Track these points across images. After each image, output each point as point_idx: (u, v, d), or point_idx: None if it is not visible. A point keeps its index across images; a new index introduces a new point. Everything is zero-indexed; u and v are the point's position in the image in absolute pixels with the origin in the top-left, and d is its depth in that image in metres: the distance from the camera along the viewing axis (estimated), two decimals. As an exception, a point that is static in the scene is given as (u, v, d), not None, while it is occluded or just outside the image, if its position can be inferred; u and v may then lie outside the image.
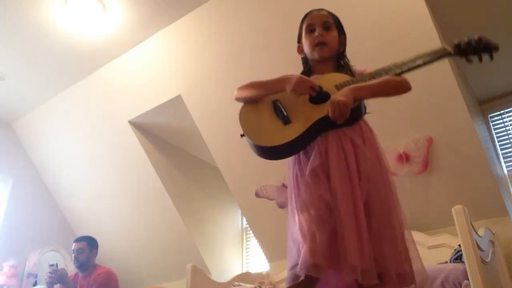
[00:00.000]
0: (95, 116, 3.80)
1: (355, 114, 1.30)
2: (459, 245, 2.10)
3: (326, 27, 1.45)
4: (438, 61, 1.30)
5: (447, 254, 2.51)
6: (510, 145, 3.32)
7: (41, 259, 3.95)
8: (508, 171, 3.20)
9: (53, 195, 4.41)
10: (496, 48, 1.28)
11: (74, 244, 3.13)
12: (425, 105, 2.62)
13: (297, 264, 1.12)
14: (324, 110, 1.27)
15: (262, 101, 1.40)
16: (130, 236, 4.09)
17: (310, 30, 1.45)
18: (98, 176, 4.05)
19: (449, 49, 1.30)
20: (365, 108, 1.39)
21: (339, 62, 1.48)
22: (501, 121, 3.41)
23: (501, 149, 3.33)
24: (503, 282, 2.38)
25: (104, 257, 3.82)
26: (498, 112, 3.44)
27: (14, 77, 3.57)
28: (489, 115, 3.48)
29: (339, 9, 2.62)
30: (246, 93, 1.43)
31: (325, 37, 1.43)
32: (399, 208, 1.28)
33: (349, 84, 1.31)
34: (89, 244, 3.14)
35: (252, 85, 1.43)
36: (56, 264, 2.96)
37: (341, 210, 1.16)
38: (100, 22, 3.02)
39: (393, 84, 1.32)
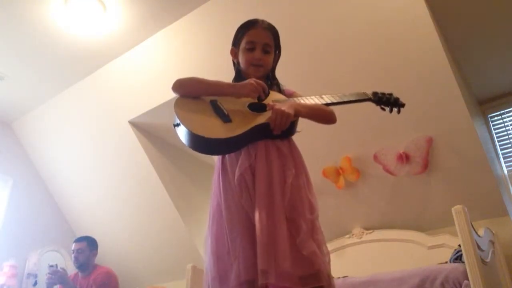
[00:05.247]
0: (95, 116, 3.80)
1: (290, 128, 1.33)
2: (459, 245, 2.10)
3: (265, 51, 1.48)
4: (359, 102, 1.48)
5: (447, 254, 2.51)
6: (510, 145, 3.32)
7: (41, 259, 3.95)
8: (508, 171, 3.20)
9: (53, 195, 4.41)
10: (403, 106, 1.50)
11: (74, 244, 3.13)
12: (425, 105, 2.62)
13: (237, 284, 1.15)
14: (264, 118, 1.31)
15: (200, 99, 1.40)
16: (130, 236, 4.09)
17: (250, 48, 1.47)
18: (98, 176, 4.05)
19: (369, 95, 1.48)
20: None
21: (270, 78, 1.54)
22: (501, 121, 3.42)
23: (501, 149, 3.33)
24: (503, 282, 2.39)
25: (104, 257, 3.82)
26: (498, 112, 3.45)
27: (14, 77, 3.57)
28: (489, 115, 3.48)
29: (338, 9, 2.65)
30: (189, 87, 1.42)
31: (263, 61, 1.47)
32: (319, 223, 1.30)
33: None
34: (89, 244, 3.14)
35: (196, 81, 1.43)
36: (56, 265, 2.97)
37: (256, 218, 1.18)
38: (100, 22, 3.02)
39: (325, 113, 1.42)
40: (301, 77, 2.64)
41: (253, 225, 1.19)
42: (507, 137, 3.35)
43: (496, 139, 3.38)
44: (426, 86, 2.58)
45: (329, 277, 1.19)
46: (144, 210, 3.91)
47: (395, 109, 1.50)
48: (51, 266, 2.94)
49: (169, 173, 3.89)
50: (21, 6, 2.85)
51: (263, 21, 1.51)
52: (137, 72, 3.44)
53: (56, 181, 4.34)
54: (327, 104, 1.41)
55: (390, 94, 1.50)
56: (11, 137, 4.27)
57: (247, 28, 1.50)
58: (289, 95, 1.47)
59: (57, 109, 3.93)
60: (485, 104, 3.50)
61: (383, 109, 1.50)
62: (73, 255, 3.11)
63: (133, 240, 4.09)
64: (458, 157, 2.68)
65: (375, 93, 1.49)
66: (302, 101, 1.40)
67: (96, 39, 3.20)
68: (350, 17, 2.65)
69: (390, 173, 2.83)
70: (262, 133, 1.31)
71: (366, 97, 1.48)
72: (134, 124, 3.70)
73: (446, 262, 2.40)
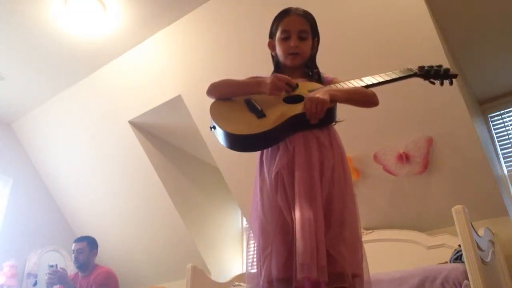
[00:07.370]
0: (95, 116, 3.80)
1: (328, 116, 1.29)
2: (459, 245, 2.10)
3: (301, 37, 1.44)
4: (404, 79, 1.40)
5: (447, 254, 2.51)
6: (510, 145, 3.32)
7: (41, 259, 3.95)
8: (508, 171, 3.20)
9: (53, 195, 4.41)
10: (455, 76, 1.39)
11: (74, 244, 3.13)
12: (425, 105, 2.62)
13: (271, 280, 1.15)
14: (299, 108, 1.27)
15: (234, 99, 1.40)
16: (130, 236, 4.09)
17: (285, 37, 1.44)
18: (98, 176, 4.05)
19: (415, 70, 1.41)
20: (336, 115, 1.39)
21: (310, 66, 1.49)
22: (501, 121, 3.41)
23: (501, 149, 3.33)
24: (503, 282, 2.39)
25: (104, 257, 3.83)
26: (498, 112, 3.44)
27: (14, 77, 3.57)
28: (489, 115, 3.48)
29: (338, 10, 2.64)
30: (221, 90, 1.42)
31: (300, 48, 1.43)
32: (358, 215, 1.28)
33: None
34: (89, 244, 3.14)
35: (227, 83, 1.43)
36: (56, 265, 2.97)
37: (297, 212, 1.16)
38: (100, 22, 3.02)
39: (365, 95, 1.36)
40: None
41: (287, 224, 1.17)
42: (507, 137, 3.35)
43: (496, 139, 3.38)
44: (426, 86, 2.56)
45: (354, 277, 1.16)
46: (144, 210, 3.91)
47: (446, 81, 1.40)
48: (51, 266, 2.94)
49: (169, 173, 3.89)
50: (21, 6, 2.85)
51: (297, 8, 1.47)
52: (137, 72, 3.44)
53: (56, 181, 4.34)
54: (367, 86, 1.36)
55: (439, 66, 1.41)
56: (11, 137, 4.27)
57: (281, 17, 1.48)
58: (329, 82, 1.43)
59: (57, 109, 3.93)
60: (485, 104, 3.50)
61: (433, 83, 1.41)
62: (73, 255, 3.11)
63: (133, 240, 4.09)
64: (458, 157, 2.67)
65: (421, 67, 1.41)
66: (339, 86, 1.34)
67: (96, 39, 3.20)
68: (349, 18, 2.65)
69: (390, 173, 2.83)
70: (299, 124, 1.27)
71: (412, 73, 1.40)
72: (134, 124, 3.70)
73: (446, 262, 2.40)
